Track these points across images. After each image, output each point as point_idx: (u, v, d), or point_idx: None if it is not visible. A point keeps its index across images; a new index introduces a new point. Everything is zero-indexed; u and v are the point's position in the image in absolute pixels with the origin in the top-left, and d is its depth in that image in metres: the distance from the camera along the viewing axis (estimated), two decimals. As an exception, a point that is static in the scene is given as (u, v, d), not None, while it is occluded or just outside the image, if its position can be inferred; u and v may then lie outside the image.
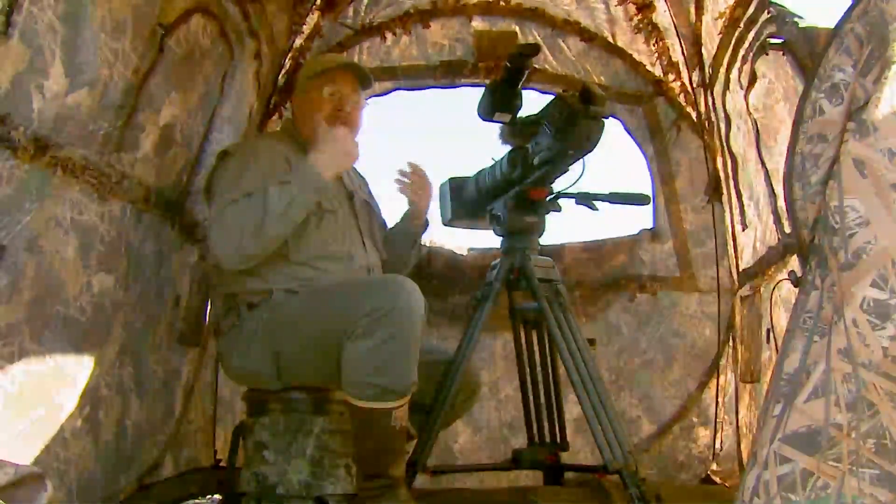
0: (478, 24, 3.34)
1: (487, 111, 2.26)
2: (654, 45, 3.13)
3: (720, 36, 2.61)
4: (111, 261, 2.01)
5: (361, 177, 2.59)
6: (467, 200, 2.50)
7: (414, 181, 2.54)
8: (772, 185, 2.35)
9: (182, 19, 2.13)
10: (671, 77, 3.15)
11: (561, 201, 2.31)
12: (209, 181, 2.30)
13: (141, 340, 2.25)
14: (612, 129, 3.22)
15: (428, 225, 2.60)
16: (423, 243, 2.71)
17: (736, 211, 2.88)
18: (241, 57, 2.60)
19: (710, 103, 2.98)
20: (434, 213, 2.59)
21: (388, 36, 3.32)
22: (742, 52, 2.42)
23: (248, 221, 2.04)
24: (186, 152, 2.41)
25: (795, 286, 1.31)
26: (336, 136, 2.18)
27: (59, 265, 1.77)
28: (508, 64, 2.19)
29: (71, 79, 1.69)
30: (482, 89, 2.28)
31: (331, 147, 2.16)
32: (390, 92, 3.40)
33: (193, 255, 2.57)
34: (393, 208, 2.66)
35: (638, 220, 3.39)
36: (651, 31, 3.10)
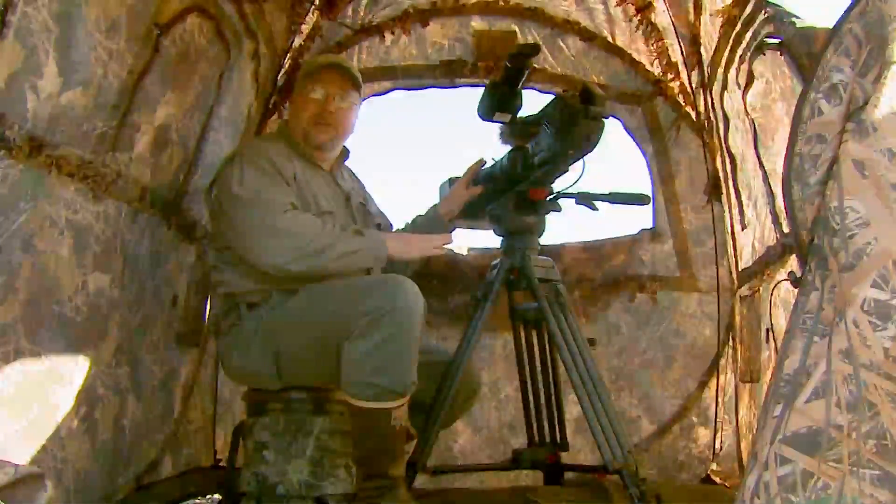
0: (477, 23, 3.33)
1: (487, 111, 2.25)
2: (653, 45, 3.12)
3: (718, 36, 2.60)
4: (107, 260, 2.01)
5: (356, 178, 2.58)
6: (467, 200, 2.49)
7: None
8: (770, 185, 2.34)
9: (178, 19, 2.12)
10: (670, 77, 3.14)
11: (561, 201, 2.31)
12: (220, 181, 2.26)
13: (137, 340, 2.25)
14: (612, 129, 3.21)
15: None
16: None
17: (735, 211, 2.87)
18: (238, 57, 2.59)
19: (710, 103, 2.97)
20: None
21: (388, 35, 3.31)
22: (740, 51, 2.41)
23: (312, 242, 2.08)
24: (183, 152, 2.40)
25: (795, 287, 1.31)
26: (422, 241, 2.27)
27: (54, 265, 1.77)
28: (508, 64, 2.18)
29: (65, 78, 1.68)
30: (482, 89, 2.28)
31: (410, 243, 2.26)
32: (389, 91, 3.40)
33: (191, 254, 2.57)
34: (389, 206, 2.64)
35: (638, 220, 3.39)
36: (650, 31, 3.09)
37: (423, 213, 2.54)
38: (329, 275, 2.12)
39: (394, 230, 2.57)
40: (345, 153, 2.47)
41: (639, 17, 3.11)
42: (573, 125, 2.06)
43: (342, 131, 2.38)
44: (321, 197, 2.28)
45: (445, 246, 2.35)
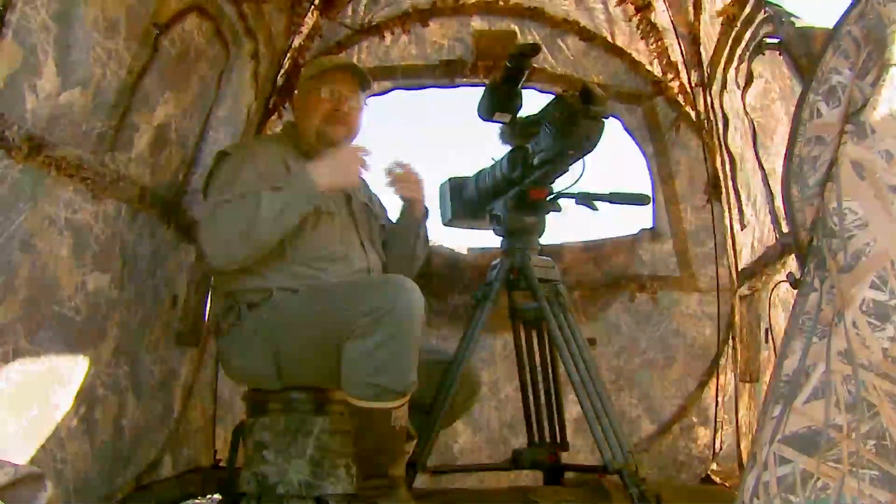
0: (477, 23, 3.33)
1: (487, 111, 2.25)
2: (653, 45, 3.12)
3: (718, 35, 2.60)
4: (106, 260, 2.01)
5: (362, 179, 2.58)
6: (467, 200, 2.49)
7: (401, 177, 2.47)
8: (769, 184, 2.34)
9: (177, 19, 2.13)
10: (670, 76, 3.14)
11: (561, 201, 2.31)
12: (206, 182, 2.30)
13: (137, 340, 2.25)
14: (612, 129, 3.20)
15: (427, 214, 2.56)
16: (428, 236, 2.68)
17: (735, 210, 2.87)
18: (237, 57, 2.59)
19: (709, 103, 2.97)
20: (433, 206, 2.57)
21: (387, 35, 3.31)
22: (739, 51, 2.41)
23: (239, 223, 2.05)
24: (182, 152, 2.41)
25: (794, 288, 1.30)
26: (340, 153, 2.21)
27: (53, 264, 1.77)
28: (508, 64, 2.18)
29: (64, 78, 1.69)
30: (482, 89, 2.28)
31: (332, 162, 2.17)
32: (389, 91, 3.39)
33: (191, 254, 2.57)
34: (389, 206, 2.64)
35: (638, 220, 3.39)
36: (650, 30, 3.09)
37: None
38: (283, 237, 2.12)
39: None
40: None
41: (638, 17, 3.10)
42: (573, 125, 2.06)
43: (354, 130, 2.41)
44: None
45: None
